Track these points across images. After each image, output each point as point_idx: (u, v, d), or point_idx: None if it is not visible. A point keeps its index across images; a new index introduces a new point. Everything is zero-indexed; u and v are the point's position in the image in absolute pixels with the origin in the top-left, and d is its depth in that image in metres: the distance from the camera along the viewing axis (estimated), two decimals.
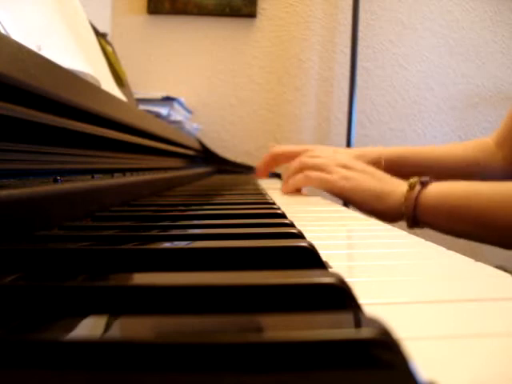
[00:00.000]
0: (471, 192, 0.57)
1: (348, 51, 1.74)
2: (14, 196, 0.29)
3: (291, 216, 0.41)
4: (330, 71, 1.80)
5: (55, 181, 0.38)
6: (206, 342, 0.12)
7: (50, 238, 0.31)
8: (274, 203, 0.54)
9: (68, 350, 0.12)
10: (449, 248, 0.32)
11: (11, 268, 0.24)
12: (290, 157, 0.96)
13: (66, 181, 0.39)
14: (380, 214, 0.69)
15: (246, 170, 1.57)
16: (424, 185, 0.62)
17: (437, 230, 0.64)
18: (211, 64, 1.77)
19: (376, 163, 0.81)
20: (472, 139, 0.98)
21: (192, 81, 1.76)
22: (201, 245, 0.27)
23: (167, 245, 0.28)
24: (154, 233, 0.33)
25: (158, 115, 1.31)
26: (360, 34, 1.74)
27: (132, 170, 0.65)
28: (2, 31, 0.43)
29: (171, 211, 0.47)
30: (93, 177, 0.47)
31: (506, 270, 0.26)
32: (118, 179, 0.55)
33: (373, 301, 0.20)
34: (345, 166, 0.74)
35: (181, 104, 1.48)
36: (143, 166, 0.77)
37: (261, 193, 0.75)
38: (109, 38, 1.28)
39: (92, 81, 0.62)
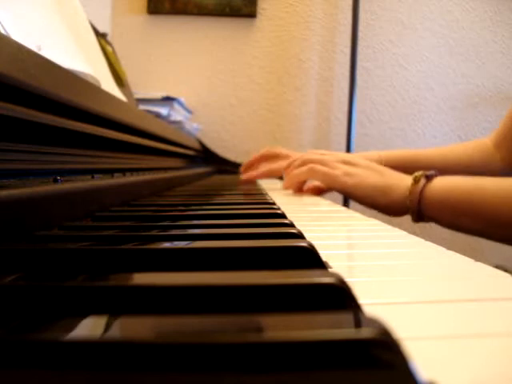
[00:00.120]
0: (475, 187, 0.57)
1: (348, 51, 1.74)
2: (14, 196, 0.29)
3: (291, 216, 0.41)
4: (329, 71, 1.80)
5: (55, 181, 0.38)
6: (206, 342, 0.12)
7: (50, 237, 0.31)
8: (273, 203, 0.54)
9: (68, 350, 0.12)
10: (449, 248, 0.32)
11: (11, 268, 0.24)
12: (280, 158, 0.98)
13: (66, 181, 0.39)
14: (384, 208, 0.69)
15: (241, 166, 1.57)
16: (429, 179, 0.62)
17: (441, 225, 0.64)
18: (211, 64, 1.77)
19: None
20: (472, 139, 0.99)
21: (192, 81, 1.76)
22: (201, 245, 0.27)
23: (167, 245, 0.28)
24: (154, 233, 0.33)
25: (158, 115, 1.31)
26: (360, 34, 1.74)
27: (132, 170, 0.65)
28: (2, 31, 0.43)
29: (171, 211, 0.47)
30: (93, 177, 0.47)
31: (506, 270, 0.26)
32: (118, 179, 0.55)
33: (373, 301, 0.20)
34: (348, 163, 0.74)
35: (181, 104, 1.48)
36: (143, 165, 0.77)
37: (261, 193, 0.75)
38: (109, 38, 1.28)
39: (92, 81, 0.62)
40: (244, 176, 1.01)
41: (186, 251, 0.26)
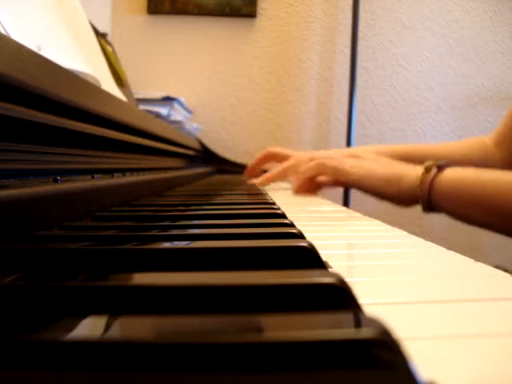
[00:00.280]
0: (488, 179, 0.57)
1: (348, 51, 1.74)
2: (14, 196, 0.29)
3: (291, 216, 0.41)
4: (329, 71, 1.80)
5: (55, 181, 0.38)
6: (206, 342, 0.12)
7: (50, 237, 0.31)
8: (274, 203, 0.54)
9: (68, 350, 0.12)
10: (449, 248, 0.32)
11: (11, 268, 0.24)
12: (281, 158, 0.97)
13: (66, 181, 0.39)
14: (394, 198, 0.68)
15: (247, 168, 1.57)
16: (440, 168, 0.61)
17: (451, 216, 0.63)
18: (211, 64, 1.77)
19: None
20: None
21: (192, 81, 1.76)
22: (201, 245, 0.27)
23: (167, 245, 0.28)
24: (154, 233, 0.33)
25: (158, 115, 1.31)
26: (360, 34, 1.74)
27: (132, 170, 0.65)
28: (2, 31, 0.43)
29: (171, 211, 0.47)
30: (93, 177, 0.47)
31: (506, 270, 0.26)
32: (118, 179, 0.55)
33: (373, 301, 0.20)
34: (356, 156, 0.74)
35: (181, 104, 1.48)
36: (143, 165, 0.77)
37: (261, 193, 0.75)
38: (109, 38, 1.28)
39: (92, 81, 0.62)
40: (254, 182, 0.98)
41: (185, 251, 0.26)
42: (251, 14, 1.74)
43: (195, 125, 1.59)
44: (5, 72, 0.30)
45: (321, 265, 0.25)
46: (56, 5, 0.62)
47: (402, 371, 0.12)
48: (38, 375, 0.12)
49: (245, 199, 0.64)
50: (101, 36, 1.06)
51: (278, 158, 1.01)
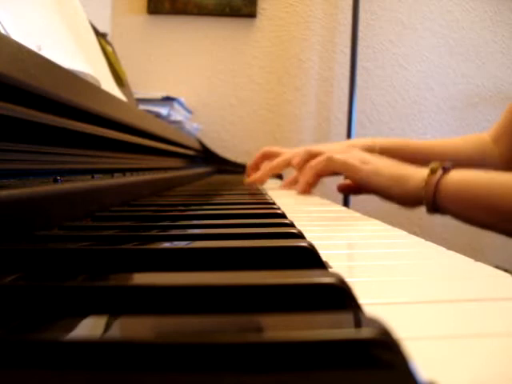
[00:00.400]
0: (493, 181, 0.57)
1: (348, 51, 1.74)
2: (14, 196, 0.29)
3: (291, 216, 0.41)
4: (330, 71, 1.80)
5: (55, 181, 0.37)
6: (206, 342, 0.12)
7: (50, 237, 0.31)
8: (273, 203, 0.54)
9: (68, 350, 0.12)
10: (449, 248, 0.32)
11: (11, 268, 0.24)
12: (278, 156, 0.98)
13: (66, 181, 0.39)
14: (399, 198, 0.68)
15: (246, 170, 1.57)
16: (446, 170, 0.61)
17: (456, 217, 0.63)
18: (211, 64, 1.77)
19: (370, 151, 0.80)
20: None
21: (192, 81, 1.76)
22: (201, 245, 0.27)
23: (167, 245, 0.28)
24: (154, 233, 0.33)
25: (158, 115, 1.31)
26: (360, 34, 1.74)
27: (132, 170, 0.65)
28: (2, 31, 0.43)
29: (171, 211, 0.47)
30: (93, 177, 0.47)
31: (506, 270, 0.26)
32: (118, 179, 0.55)
33: (373, 301, 0.20)
34: (360, 156, 0.74)
35: (181, 104, 1.48)
36: (143, 165, 0.77)
37: (261, 193, 0.75)
38: (109, 38, 1.28)
39: (92, 81, 0.62)
40: (248, 181, 1.00)
41: (186, 251, 0.26)
42: (251, 14, 1.74)
43: (195, 125, 1.59)
44: (5, 72, 0.30)
45: (321, 265, 0.25)
46: (56, 5, 0.62)
47: (402, 371, 0.12)
48: (38, 375, 0.12)
49: (245, 199, 0.64)
50: (101, 36, 1.06)
51: (275, 156, 1.01)
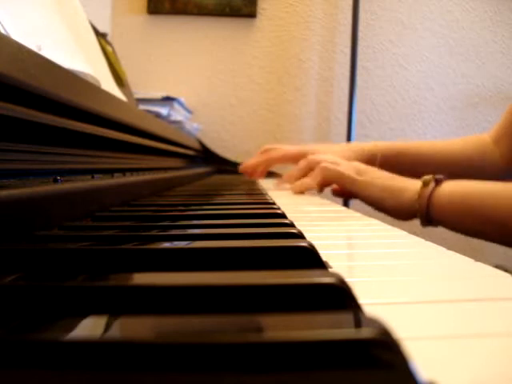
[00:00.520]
0: (487, 192, 0.57)
1: (348, 51, 1.74)
2: (14, 196, 0.29)
3: (291, 216, 0.41)
4: (329, 71, 1.80)
5: (55, 181, 0.37)
6: (206, 342, 0.12)
7: (50, 237, 0.31)
8: (273, 203, 0.54)
9: (68, 350, 0.12)
10: (449, 248, 0.32)
11: (11, 268, 0.24)
12: (285, 158, 0.98)
13: (66, 181, 0.39)
14: (392, 211, 0.68)
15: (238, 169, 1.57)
16: (438, 182, 0.62)
17: (450, 229, 0.63)
18: (211, 64, 1.77)
19: (372, 157, 0.81)
20: None
21: (192, 81, 1.76)
22: (201, 245, 0.27)
23: (167, 245, 0.28)
24: (154, 233, 0.33)
25: (158, 115, 1.31)
26: (360, 34, 1.74)
27: (132, 170, 0.65)
28: (2, 31, 0.43)
29: (171, 211, 0.47)
30: (93, 177, 0.47)
31: (506, 270, 0.26)
32: (118, 179, 0.55)
33: (373, 301, 0.20)
34: (356, 167, 0.74)
35: (181, 104, 1.48)
36: (143, 165, 0.77)
37: (261, 193, 0.75)
38: (109, 38, 1.28)
39: (92, 81, 0.62)
40: (242, 167, 1.01)
41: (186, 251, 0.26)
42: (251, 14, 1.74)
43: (195, 125, 1.59)
44: (5, 72, 0.30)
45: (321, 265, 0.25)
46: (56, 5, 0.62)
47: (402, 371, 0.12)
48: (38, 375, 0.12)
49: (245, 199, 0.64)
50: (101, 36, 1.06)
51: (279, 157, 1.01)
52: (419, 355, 0.14)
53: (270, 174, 1.32)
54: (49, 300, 0.18)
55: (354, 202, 1.68)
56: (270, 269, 0.24)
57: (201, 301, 0.18)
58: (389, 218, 0.67)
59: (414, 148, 0.86)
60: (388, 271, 0.26)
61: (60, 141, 0.43)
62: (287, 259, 0.25)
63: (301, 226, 0.35)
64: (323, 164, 0.77)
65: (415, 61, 1.82)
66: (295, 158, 0.92)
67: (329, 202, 0.74)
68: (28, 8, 0.52)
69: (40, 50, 0.49)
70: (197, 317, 0.15)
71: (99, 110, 0.51)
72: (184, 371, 0.12)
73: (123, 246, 0.26)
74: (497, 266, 0.27)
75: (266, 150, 1.04)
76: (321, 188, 0.80)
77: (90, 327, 0.15)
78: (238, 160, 1.64)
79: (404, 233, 0.40)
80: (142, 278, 0.21)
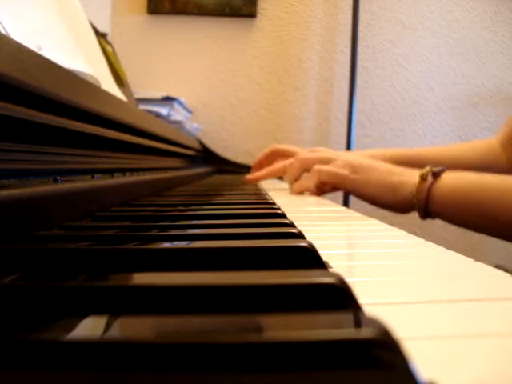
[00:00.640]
0: (486, 185, 0.57)
1: (348, 51, 1.74)
2: (14, 196, 0.29)
3: (291, 216, 0.41)
4: (329, 71, 1.80)
5: (55, 181, 0.38)
6: (206, 342, 0.12)
7: (50, 237, 0.31)
8: (273, 203, 0.54)
9: (68, 350, 0.12)
10: (449, 248, 0.32)
11: (11, 268, 0.24)
12: (287, 155, 0.97)
13: (66, 181, 0.39)
14: (392, 206, 0.68)
15: (246, 170, 1.57)
16: (436, 175, 0.61)
17: (448, 222, 0.63)
18: (211, 64, 1.77)
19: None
20: (472, 139, 0.98)
21: (192, 81, 1.76)
22: (201, 245, 0.27)
23: (167, 245, 0.28)
24: (154, 233, 0.33)
25: (158, 115, 1.31)
26: (360, 34, 1.74)
27: (132, 170, 0.65)
28: (2, 31, 0.43)
29: (171, 211, 0.47)
30: (93, 177, 0.47)
31: (506, 270, 0.26)
32: (118, 179, 0.55)
33: (373, 301, 0.20)
34: (351, 164, 0.73)
35: (181, 104, 1.48)
36: (143, 165, 0.77)
37: (261, 193, 0.75)
38: (109, 38, 1.28)
39: (92, 81, 0.62)
40: (248, 177, 1.00)
41: (186, 251, 0.26)
42: (251, 14, 1.74)
43: (195, 125, 1.59)
44: (5, 72, 0.30)
45: (321, 265, 0.25)
46: (56, 5, 0.62)
47: (402, 371, 0.12)
48: (38, 375, 0.12)
49: (245, 199, 0.64)
50: (101, 36, 1.06)
51: (283, 154, 1.00)
52: (419, 355, 0.14)
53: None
54: (49, 300, 0.18)
55: (353, 202, 1.69)
56: (270, 269, 0.24)
57: (201, 301, 0.18)
58: (389, 218, 0.67)
59: (422, 155, 0.86)
60: (388, 271, 0.26)
61: (60, 141, 0.43)
62: (287, 259, 0.25)
63: (301, 225, 0.35)
64: (316, 167, 0.76)
65: (415, 61, 1.82)
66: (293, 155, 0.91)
67: (329, 201, 0.74)
68: (28, 8, 0.52)
69: (40, 50, 0.49)
70: (197, 317, 0.15)
71: (99, 110, 0.51)
72: (184, 371, 0.12)
73: (123, 246, 0.26)
74: (497, 266, 0.27)
75: (274, 151, 1.04)
76: (319, 192, 0.80)
77: (90, 327, 0.15)
78: (238, 160, 1.64)
79: (404, 233, 0.40)
80: (142, 278, 0.21)
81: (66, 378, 0.12)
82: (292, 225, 0.36)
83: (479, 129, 1.82)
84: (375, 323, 0.13)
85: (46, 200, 0.33)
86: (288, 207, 0.55)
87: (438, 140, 1.81)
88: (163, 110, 1.35)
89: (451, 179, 0.61)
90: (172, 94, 1.43)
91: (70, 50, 0.60)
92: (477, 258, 0.28)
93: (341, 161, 0.75)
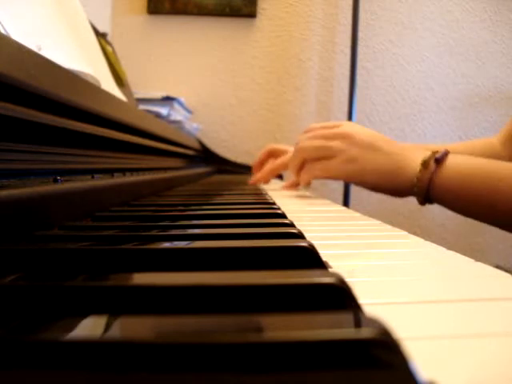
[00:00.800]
0: (492, 174, 0.55)
1: (348, 51, 1.74)
2: (14, 196, 0.29)
3: (291, 216, 0.41)
4: (329, 71, 1.80)
5: (55, 181, 0.38)
6: (206, 342, 0.12)
7: (50, 237, 0.31)
8: (274, 203, 0.54)
9: (68, 350, 0.12)
10: (449, 248, 0.32)
11: (11, 268, 0.24)
12: (284, 154, 0.97)
13: (66, 181, 0.39)
14: (390, 192, 0.67)
15: (246, 170, 1.57)
16: (439, 161, 0.59)
17: (450, 209, 0.63)
18: (211, 64, 1.77)
19: None
20: (472, 139, 0.97)
21: (192, 81, 1.76)
22: (201, 245, 0.27)
23: (167, 245, 0.28)
24: (154, 233, 0.33)
25: (158, 115, 1.31)
26: (360, 34, 1.74)
27: (132, 170, 0.65)
28: (2, 31, 0.43)
29: (171, 211, 0.47)
30: (93, 177, 0.47)
31: (506, 270, 0.26)
32: (118, 179, 0.55)
33: (373, 301, 0.20)
34: (346, 137, 0.68)
35: (181, 104, 1.48)
36: (143, 165, 0.77)
37: (261, 193, 0.75)
38: (109, 38, 1.28)
39: (92, 81, 0.62)
40: (252, 181, 0.99)
41: (185, 251, 0.26)
42: (251, 14, 1.74)
43: (195, 125, 1.59)
44: (5, 72, 0.30)
45: (321, 265, 0.25)
46: (56, 5, 0.62)
47: (401, 371, 0.12)
48: (38, 375, 0.12)
49: (245, 199, 0.64)
50: (101, 36, 1.06)
51: (280, 154, 1.00)
52: (419, 355, 0.14)
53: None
54: (49, 300, 0.18)
55: (353, 202, 1.69)
56: (270, 269, 0.24)
57: (201, 301, 0.18)
58: (389, 218, 0.67)
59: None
60: (388, 271, 0.26)
61: (60, 141, 0.43)
62: (287, 259, 0.25)
63: (301, 225, 0.35)
64: (307, 166, 0.73)
65: (415, 61, 1.82)
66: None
67: (329, 201, 0.74)
68: (28, 8, 0.52)
69: (40, 49, 0.49)
70: (197, 317, 0.15)
71: (99, 110, 0.51)
72: (184, 371, 0.12)
73: (123, 246, 0.26)
74: (497, 266, 0.27)
75: (271, 150, 1.04)
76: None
77: (90, 327, 0.15)
78: (238, 160, 1.64)
79: (404, 233, 0.40)
80: (141, 278, 0.21)
81: (66, 378, 0.12)
82: (292, 225, 0.36)
83: (479, 129, 1.82)
84: (375, 323, 0.13)
85: (45, 200, 0.33)
86: (288, 207, 0.55)
87: (437, 140, 1.81)
88: (163, 110, 1.35)
89: (456, 165, 0.59)
90: (172, 94, 1.43)
91: (69, 50, 0.60)
92: (477, 258, 0.28)
93: (333, 147, 0.71)
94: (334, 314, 0.16)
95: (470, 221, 0.65)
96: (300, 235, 0.31)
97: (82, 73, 0.59)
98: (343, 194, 1.68)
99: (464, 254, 0.30)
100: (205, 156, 1.60)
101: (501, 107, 1.81)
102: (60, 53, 0.56)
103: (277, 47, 1.78)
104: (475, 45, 1.83)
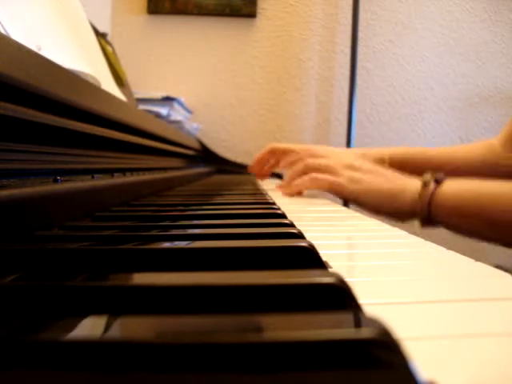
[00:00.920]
0: (489, 193, 0.56)
1: (348, 51, 1.74)
2: (14, 196, 0.29)
3: (291, 216, 0.41)
4: (329, 71, 1.80)
5: (55, 181, 0.37)
6: (206, 342, 0.12)
7: (50, 237, 0.31)
8: (273, 203, 0.54)
9: (68, 350, 0.12)
10: (449, 248, 0.32)
11: (11, 268, 0.24)
12: (286, 153, 0.96)
13: (66, 181, 0.39)
14: (391, 214, 0.67)
15: (246, 169, 1.57)
16: (438, 182, 0.60)
17: (451, 230, 0.63)
18: (211, 64, 1.77)
19: (379, 163, 0.80)
20: (472, 139, 0.97)
21: (192, 81, 1.76)
22: (201, 245, 0.27)
23: (167, 245, 0.28)
24: (154, 233, 0.33)
25: (158, 115, 1.31)
26: (360, 34, 1.74)
27: (132, 170, 0.65)
28: (2, 31, 0.43)
29: (171, 211, 0.47)
30: (93, 177, 0.47)
31: (506, 270, 0.26)
32: (118, 179, 0.55)
33: (373, 301, 0.20)
34: (351, 167, 0.72)
35: (181, 104, 1.48)
36: (143, 165, 0.77)
37: (261, 193, 0.75)
38: (109, 38, 1.28)
39: (92, 81, 0.62)
40: (251, 169, 1.00)
41: (186, 251, 0.26)
42: (251, 14, 1.74)
43: (195, 125, 1.59)
44: (5, 72, 0.30)
45: (321, 265, 0.25)
46: (56, 5, 0.62)
47: (401, 371, 0.12)
48: (38, 375, 0.12)
49: (245, 199, 0.64)
50: (101, 36, 1.06)
51: (282, 152, 1.00)
52: (419, 355, 0.14)
53: (273, 175, 1.32)
54: (49, 300, 0.18)
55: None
56: (270, 269, 0.24)
57: (201, 301, 0.18)
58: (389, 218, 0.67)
59: (422, 153, 0.85)
60: (388, 271, 0.26)
61: (60, 141, 0.43)
62: (287, 259, 0.25)
63: (301, 226, 0.35)
64: (313, 175, 0.75)
65: (415, 61, 1.82)
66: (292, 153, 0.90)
67: (329, 201, 0.74)
68: (28, 8, 0.52)
69: (40, 49, 0.49)
70: (197, 317, 0.15)
71: (99, 110, 0.51)
72: (184, 371, 0.12)
73: (123, 246, 0.26)
74: (497, 266, 0.27)
75: (273, 149, 1.03)
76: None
77: (90, 327, 0.15)
78: (238, 160, 1.64)
79: (404, 233, 0.40)
80: (141, 278, 0.21)
81: (66, 378, 0.12)
82: (292, 225, 0.36)
83: (479, 129, 1.82)
84: (375, 323, 0.13)
85: (45, 200, 0.33)
86: (288, 207, 0.55)
87: (437, 140, 1.81)
88: (163, 110, 1.35)
89: (455, 186, 0.60)
90: (172, 94, 1.43)
91: (69, 50, 0.60)
92: (477, 258, 0.28)
93: (338, 167, 0.74)
94: (334, 314, 0.16)
95: None
96: (300, 235, 0.31)
97: (82, 73, 0.59)
98: None
99: (464, 254, 0.30)
100: (205, 156, 1.60)
101: (501, 107, 1.81)
102: (60, 53, 0.56)
103: (277, 47, 1.78)
104: (475, 45, 1.83)
